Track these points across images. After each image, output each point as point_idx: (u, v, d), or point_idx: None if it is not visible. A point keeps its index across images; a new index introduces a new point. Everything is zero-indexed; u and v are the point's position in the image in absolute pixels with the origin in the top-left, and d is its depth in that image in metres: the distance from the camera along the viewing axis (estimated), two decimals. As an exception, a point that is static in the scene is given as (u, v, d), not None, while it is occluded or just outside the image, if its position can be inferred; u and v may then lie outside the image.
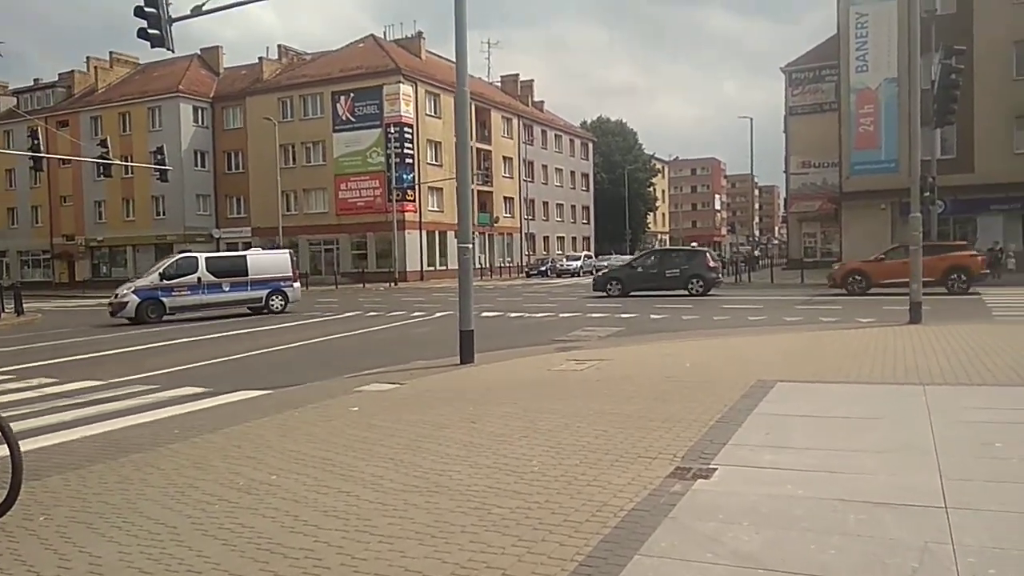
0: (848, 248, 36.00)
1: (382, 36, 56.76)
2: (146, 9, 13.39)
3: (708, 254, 28.25)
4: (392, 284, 44.81)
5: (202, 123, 55.27)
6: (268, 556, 3.93)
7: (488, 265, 55.98)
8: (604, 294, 27.51)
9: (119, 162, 35.47)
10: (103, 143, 31.60)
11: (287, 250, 29.87)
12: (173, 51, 13.80)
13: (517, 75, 69.65)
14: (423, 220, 50.30)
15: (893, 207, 33.31)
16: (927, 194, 24.09)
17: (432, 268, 50.39)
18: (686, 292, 26.12)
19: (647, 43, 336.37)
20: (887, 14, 34.17)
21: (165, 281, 22.97)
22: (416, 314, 22.82)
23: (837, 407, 6.89)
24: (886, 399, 7.21)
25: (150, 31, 13.51)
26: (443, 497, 4.74)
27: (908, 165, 16.07)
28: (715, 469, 5.09)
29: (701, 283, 26.29)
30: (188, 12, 13.75)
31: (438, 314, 21.98)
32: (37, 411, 9.05)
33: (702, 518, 4.17)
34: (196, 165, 54.88)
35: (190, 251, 27.17)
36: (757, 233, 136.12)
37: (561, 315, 20.63)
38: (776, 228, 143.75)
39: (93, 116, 56.63)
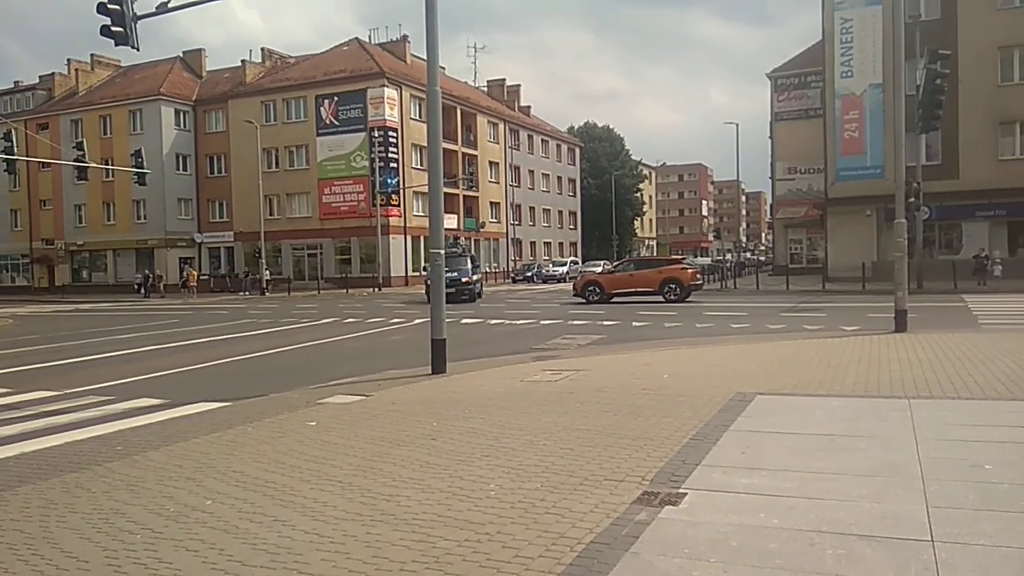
0: (834, 254, 35.81)
1: (367, 39, 56.29)
2: (109, 6, 12.94)
3: None
4: (376, 289, 44.31)
5: (184, 126, 54.56)
6: (180, 599, 3.52)
7: (473, 270, 55.41)
8: None
9: (96, 165, 34.81)
10: (79, 146, 31.01)
11: None
12: (138, 49, 13.33)
13: (503, 80, 69.34)
14: (408, 225, 49.79)
15: (878, 213, 33.11)
16: (912, 200, 23.91)
17: (417, 274, 49.76)
18: None
19: (634, 49, 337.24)
20: (872, 19, 34.04)
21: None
22: (395, 321, 22.38)
23: (818, 423, 6.53)
24: (869, 414, 6.85)
25: (114, 28, 13.05)
26: (386, 527, 4.33)
27: (893, 171, 15.80)
28: (685, 494, 4.71)
29: None
30: (154, 9, 13.33)
31: (417, 321, 21.53)
32: (-20, 425, 8.59)
33: (667, 553, 3.79)
34: (178, 169, 54.14)
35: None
36: (744, 239, 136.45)
37: (542, 322, 20.25)
38: (763, 234, 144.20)
39: (73, 119, 55.75)
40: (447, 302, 26.70)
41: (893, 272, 14.24)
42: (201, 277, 49.13)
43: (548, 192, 70.72)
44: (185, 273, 46.93)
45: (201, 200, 55.38)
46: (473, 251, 48.55)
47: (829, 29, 35.49)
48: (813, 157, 41.57)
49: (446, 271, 28.63)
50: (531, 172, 67.61)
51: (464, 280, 30.42)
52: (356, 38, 55.61)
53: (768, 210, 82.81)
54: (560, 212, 73.28)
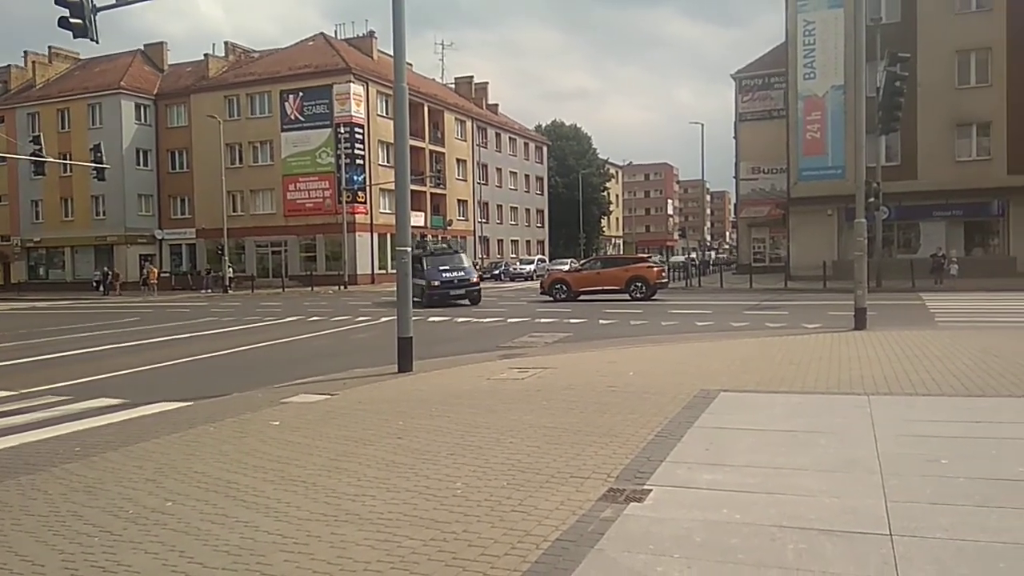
0: (796, 253, 36.33)
1: (333, 35, 55.78)
2: (67, -4, 12.65)
3: None
4: (342, 287, 43.94)
5: (145, 121, 53.56)
6: (138, 603, 3.45)
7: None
8: None
9: (53, 160, 34.07)
10: (36, 140, 30.28)
11: None
12: (97, 41, 13.03)
13: (471, 77, 69.22)
14: (374, 222, 49.48)
15: (839, 213, 33.68)
16: (872, 200, 24.31)
17: (384, 271, 49.47)
18: None
19: (602, 48, 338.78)
20: (834, 22, 34.60)
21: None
22: (361, 319, 22.22)
23: (780, 419, 6.63)
24: (830, 410, 6.97)
25: (72, 20, 12.74)
26: (351, 528, 4.30)
27: (854, 172, 16.07)
28: (650, 490, 4.75)
29: None
30: (114, 1, 13.05)
31: (384, 319, 21.41)
32: (-70, 426, 8.35)
33: (631, 549, 3.81)
34: (138, 164, 53.13)
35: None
36: (708, 238, 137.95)
37: (509, 320, 20.26)
38: (727, 233, 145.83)
39: (30, 112, 54.38)
40: (453, 306, 25.11)
41: (853, 271, 14.50)
42: (162, 274, 48.30)
43: (516, 190, 70.78)
44: (145, 270, 46.07)
45: (162, 196, 54.46)
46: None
47: (792, 31, 36.01)
48: (776, 157, 42.13)
49: (450, 272, 26.54)
50: (499, 170, 67.59)
51: (473, 280, 27.10)
52: (322, 33, 55.17)
53: (732, 209, 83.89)
54: (527, 210, 73.39)
